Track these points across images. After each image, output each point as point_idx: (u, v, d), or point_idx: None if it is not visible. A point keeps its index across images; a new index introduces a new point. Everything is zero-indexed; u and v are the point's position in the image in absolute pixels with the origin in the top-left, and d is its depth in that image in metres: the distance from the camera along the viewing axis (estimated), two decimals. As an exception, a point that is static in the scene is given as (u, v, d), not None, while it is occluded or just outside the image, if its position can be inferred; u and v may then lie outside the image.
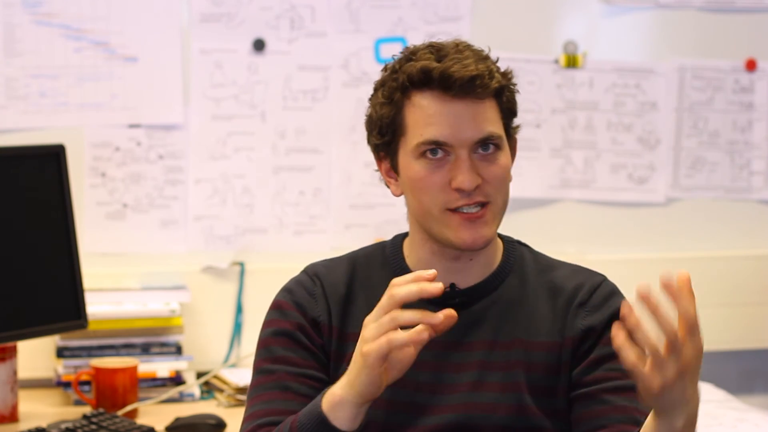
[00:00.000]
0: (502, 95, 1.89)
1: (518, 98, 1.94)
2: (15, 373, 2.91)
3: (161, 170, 3.34)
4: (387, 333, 1.64)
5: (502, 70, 1.91)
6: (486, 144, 1.86)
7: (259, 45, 3.37)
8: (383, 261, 1.95)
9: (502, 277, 1.93)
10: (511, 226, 3.49)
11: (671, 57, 3.59)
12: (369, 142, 1.96)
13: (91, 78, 3.29)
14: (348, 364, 1.74)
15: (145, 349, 3.13)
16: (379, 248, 1.98)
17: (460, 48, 1.88)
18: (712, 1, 3.60)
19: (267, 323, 1.96)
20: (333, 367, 1.90)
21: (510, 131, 1.93)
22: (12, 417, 2.89)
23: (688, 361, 1.56)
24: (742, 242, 3.65)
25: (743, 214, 3.66)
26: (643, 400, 1.61)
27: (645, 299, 1.54)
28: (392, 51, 2.10)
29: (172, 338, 3.16)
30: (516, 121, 1.95)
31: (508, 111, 1.91)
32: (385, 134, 1.90)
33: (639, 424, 1.75)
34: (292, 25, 3.39)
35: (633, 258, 3.53)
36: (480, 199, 1.85)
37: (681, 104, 3.61)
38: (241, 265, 3.37)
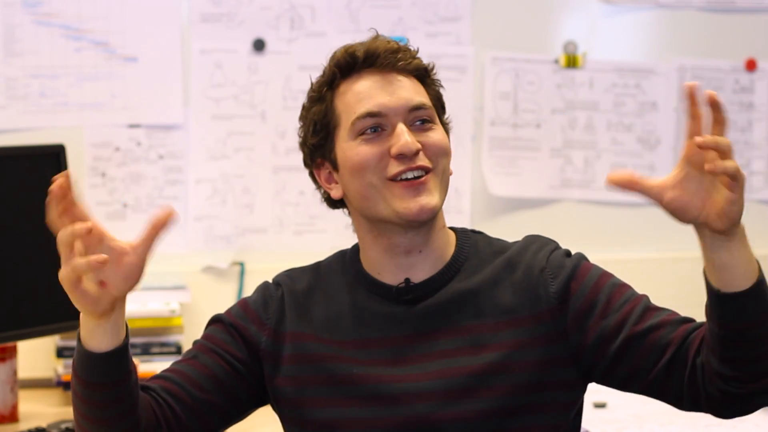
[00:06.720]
0: (425, 79, 1.94)
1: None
2: (15, 373, 2.91)
3: (161, 170, 3.34)
4: (70, 261, 1.81)
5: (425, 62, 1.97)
6: (421, 117, 1.90)
7: (259, 45, 3.37)
8: (342, 267, 1.99)
9: (457, 267, 1.93)
10: (512, 226, 3.53)
11: (671, 57, 3.59)
12: (305, 162, 1.98)
13: (91, 78, 3.29)
14: (307, 361, 1.90)
15: (145, 349, 3.13)
16: (340, 256, 2.02)
17: (378, 36, 1.95)
18: (712, 1, 3.60)
19: None
20: (271, 365, 1.94)
21: (442, 120, 1.96)
22: (12, 417, 2.90)
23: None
24: (742, 242, 3.64)
25: (743, 214, 3.66)
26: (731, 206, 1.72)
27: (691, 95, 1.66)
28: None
29: (172, 338, 3.16)
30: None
31: (436, 99, 1.95)
32: (319, 132, 1.93)
33: (688, 320, 1.83)
34: (292, 25, 3.39)
35: (633, 258, 3.52)
36: (422, 164, 1.87)
37: (681, 104, 3.61)
38: (241, 265, 3.37)
